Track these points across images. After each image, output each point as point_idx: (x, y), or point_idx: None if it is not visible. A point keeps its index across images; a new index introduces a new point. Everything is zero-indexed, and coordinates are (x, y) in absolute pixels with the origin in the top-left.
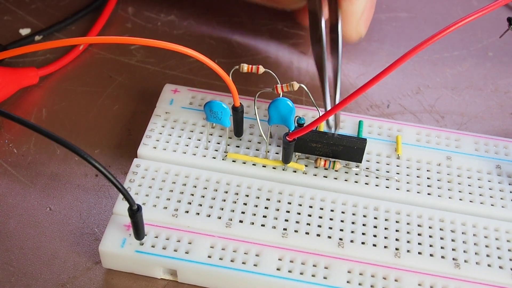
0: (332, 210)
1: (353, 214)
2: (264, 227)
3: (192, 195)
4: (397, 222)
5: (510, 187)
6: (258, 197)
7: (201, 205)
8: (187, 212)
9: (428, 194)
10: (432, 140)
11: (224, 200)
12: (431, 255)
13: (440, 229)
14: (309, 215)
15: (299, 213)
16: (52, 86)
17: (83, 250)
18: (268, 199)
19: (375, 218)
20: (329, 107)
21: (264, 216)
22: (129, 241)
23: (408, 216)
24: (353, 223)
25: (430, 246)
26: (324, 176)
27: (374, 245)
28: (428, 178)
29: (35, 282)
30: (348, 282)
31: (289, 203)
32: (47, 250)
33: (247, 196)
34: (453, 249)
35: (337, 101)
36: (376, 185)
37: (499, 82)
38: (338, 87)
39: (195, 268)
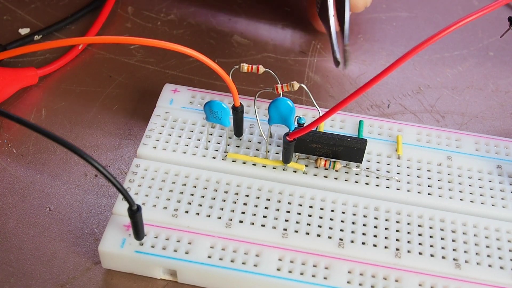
0: (332, 210)
1: (354, 214)
2: (264, 227)
3: (192, 195)
4: (397, 222)
5: (511, 187)
6: (258, 197)
7: (201, 205)
8: (187, 212)
9: (429, 194)
10: (433, 140)
11: (224, 200)
12: (431, 255)
13: (441, 229)
14: (309, 215)
15: (299, 213)
16: (52, 86)
17: (83, 251)
18: (268, 199)
19: (376, 218)
20: (336, 49)
21: (264, 216)
22: (128, 241)
23: (408, 216)
24: (353, 223)
25: (431, 246)
26: (324, 176)
27: (375, 245)
28: (428, 178)
29: (34, 283)
30: (348, 282)
31: (289, 203)
32: (46, 250)
33: (247, 196)
34: (453, 249)
35: (346, 45)
36: (377, 185)
37: (499, 82)
38: (346, 31)
39: (195, 268)
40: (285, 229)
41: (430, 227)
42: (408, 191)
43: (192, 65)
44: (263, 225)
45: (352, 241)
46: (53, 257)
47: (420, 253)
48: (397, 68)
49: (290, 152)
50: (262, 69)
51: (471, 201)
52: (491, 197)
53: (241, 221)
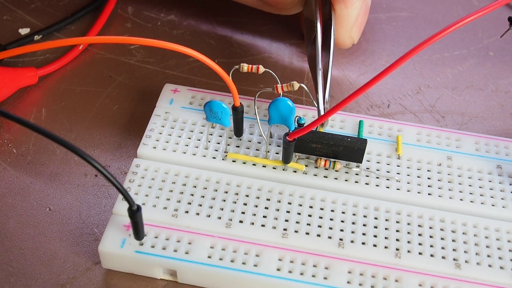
0: (332, 210)
1: (354, 214)
2: (264, 227)
3: (192, 195)
4: (397, 222)
5: (511, 187)
6: (258, 197)
7: (201, 205)
8: (187, 212)
9: (429, 194)
10: (433, 140)
11: (224, 200)
12: (431, 255)
13: (441, 229)
14: (309, 215)
15: (299, 213)
16: (52, 86)
17: (83, 251)
18: (268, 199)
19: (376, 218)
20: (321, 108)
21: (264, 216)
22: (128, 241)
23: (408, 216)
24: (353, 223)
25: (431, 246)
26: (324, 176)
27: (375, 245)
28: (428, 178)
29: (34, 283)
30: (348, 282)
31: (289, 203)
32: (46, 250)
33: (247, 196)
34: (453, 250)
35: (326, 103)
36: (377, 185)
37: (499, 82)
38: (327, 88)
39: (195, 268)
40: (285, 229)
41: (430, 227)
42: (408, 191)
43: (192, 65)
44: (263, 225)
45: (352, 241)
46: (53, 257)
47: (420, 253)
48: (397, 68)
49: (290, 152)
50: (262, 69)
51: (471, 201)
52: (491, 197)
53: (241, 221)
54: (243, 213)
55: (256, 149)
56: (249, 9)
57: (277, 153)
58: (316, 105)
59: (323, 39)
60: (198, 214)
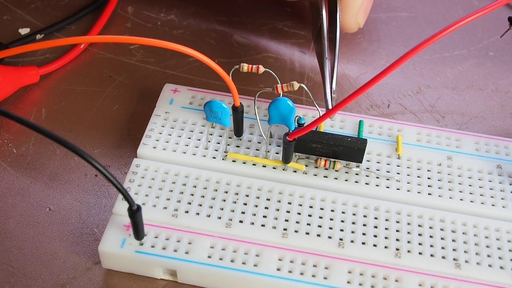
0: (332, 210)
1: (354, 214)
2: (264, 227)
3: (192, 195)
4: (397, 222)
5: (511, 187)
6: (258, 197)
7: (201, 205)
8: (187, 212)
9: (429, 194)
10: (433, 140)
11: (224, 200)
12: (431, 255)
13: (441, 229)
14: (309, 215)
15: (299, 213)
16: (52, 85)
17: (83, 250)
18: (268, 199)
19: (376, 218)
20: (329, 98)
21: (264, 216)
22: (128, 241)
23: (408, 216)
24: (353, 223)
25: (431, 246)
26: (324, 176)
27: (375, 245)
28: (428, 178)
29: (34, 283)
30: (348, 282)
31: (289, 203)
32: (46, 250)
33: (247, 196)
34: (453, 249)
35: (333, 91)
36: (377, 185)
37: (499, 82)
38: (334, 78)
39: (195, 268)
40: (285, 229)
41: (430, 227)
42: (408, 191)
43: (192, 65)
44: (263, 225)
45: (352, 241)
46: (53, 257)
47: (420, 253)
48: (397, 68)
49: (290, 152)
50: (262, 69)
51: (471, 201)
52: (491, 197)
53: (241, 221)
54: (243, 213)
55: (256, 149)
56: (249, 9)
57: (277, 153)
58: (324, 95)
59: (329, 26)
60: (198, 214)
